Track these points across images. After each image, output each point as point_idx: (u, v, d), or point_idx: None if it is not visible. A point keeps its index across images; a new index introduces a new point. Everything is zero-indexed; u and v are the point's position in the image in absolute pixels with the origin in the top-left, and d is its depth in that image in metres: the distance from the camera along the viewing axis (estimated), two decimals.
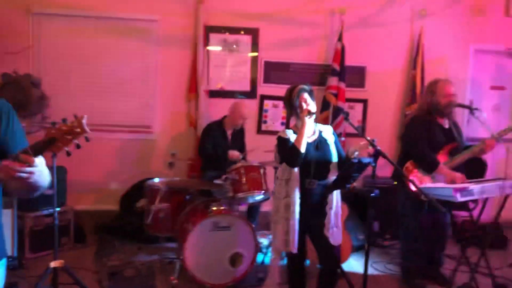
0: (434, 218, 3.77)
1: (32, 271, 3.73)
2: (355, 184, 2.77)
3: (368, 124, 5.50)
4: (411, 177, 3.53)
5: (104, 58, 4.96)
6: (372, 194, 2.50)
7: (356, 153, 2.71)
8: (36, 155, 1.48)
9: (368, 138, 2.64)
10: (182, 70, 5.11)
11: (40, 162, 1.51)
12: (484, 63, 5.62)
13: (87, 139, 1.52)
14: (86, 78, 4.94)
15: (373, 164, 2.50)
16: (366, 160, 2.53)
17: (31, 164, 1.46)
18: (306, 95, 2.94)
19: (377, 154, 2.47)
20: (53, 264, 3.36)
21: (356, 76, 5.40)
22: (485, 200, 3.74)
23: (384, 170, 4.03)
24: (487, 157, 4.61)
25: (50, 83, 4.76)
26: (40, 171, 1.53)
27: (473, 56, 5.54)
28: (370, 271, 4.18)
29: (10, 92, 4.36)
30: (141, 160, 5.12)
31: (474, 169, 4.80)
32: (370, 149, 2.62)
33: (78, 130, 1.48)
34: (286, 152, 2.87)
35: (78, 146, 1.50)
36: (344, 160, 2.92)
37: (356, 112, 5.49)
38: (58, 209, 3.75)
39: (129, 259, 4.11)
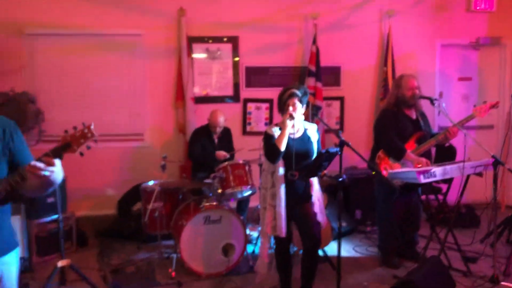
0: (406, 201, 4.14)
1: (40, 273, 4.02)
2: (325, 172, 3.10)
3: (346, 119, 5.86)
4: (382, 165, 3.90)
5: (94, 73, 5.26)
6: (339, 179, 2.83)
7: None
8: (55, 157, 1.82)
9: (335, 130, 2.98)
10: (169, 79, 5.44)
11: (58, 163, 1.85)
12: (450, 56, 6.03)
13: (95, 141, 1.87)
14: (79, 92, 5.24)
15: (339, 153, 2.84)
16: (334, 149, 2.88)
17: (52, 165, 1.80)
18: (295, 100, 3.22)
19: (342, 144, 2.81)
20: (60, 263, 3.69)
21: (331, 75, 5.78)
22: (450, 183, 4.10)
23: (361, 162, 4.38)
24: (457, 144, 5.00)
25: (45, 98, 5.10)
26: (58, 170, 1.88)
27: (440, 50, 5.95)
28: (353, 254, 4.56)
29: (8, 109, 4.67)
30: (135, 166, 5.42)
31: (445, 155, 5.19)
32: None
33: (89, 134, 1.83)
34: (268, 148, 3.21)
35: (88, 147, 1.86)
36: None
37: (333, 109, 5.86)
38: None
39: (129, 258, 4.42)
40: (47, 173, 1.80)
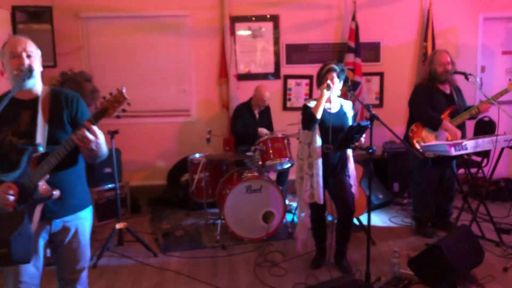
0: (440, 173, 4.26)
1: (100, 235, 4.48)
2: (357, 143, 3.30)
3: (385, 94, 5.98)
4: (415, 138, 4.04)
5: (144, 52, 5.64)
6: (370, 150, 3.03)
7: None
8: (96, 121, 2.07)
9: (367, 104, 3.17)
10: (213, 58, 5.73)
11: (101, 135, 2.10)
12: (494, 30, 5.94)
13: (128, 104, 2.07)
14: (130, 71, 5.65)
15: (369, 126, 3.04)
16: (364, 123, 3.08)
17: (91, 129, 2.04)
18: (334, 74, 3.43)
19: (372, 118, 3.00)
20: (118, 226, 4.12)
21: (371, 51, 5.87)
22: (488, 157, 4.17)
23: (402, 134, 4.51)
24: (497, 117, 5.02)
25: (100, 77, 5.51)
26: (101, 142, 2.13)
27: (483, 24, 5.88)
28: (388, 224, 4.75)
29: (68, 87, 5.12)
30: (182, 140, 5.81)
31: (485, 129, 5.23)
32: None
33: (121, 98, 2.06)
34: (305, 116, 3.44)
35: (123, 110, 2.08)
36: None
37: (373, 85, 5.97)
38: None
39: (178, 223, 4.83)
40: (91, 137, 2.04)
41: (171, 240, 4.37)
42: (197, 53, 5.71)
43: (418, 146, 3.98)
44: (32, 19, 5.02)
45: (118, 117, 2.09)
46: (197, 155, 4.94)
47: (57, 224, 2.28)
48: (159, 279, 3.61)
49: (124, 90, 2.06)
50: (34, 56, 2.19)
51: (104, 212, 4.85)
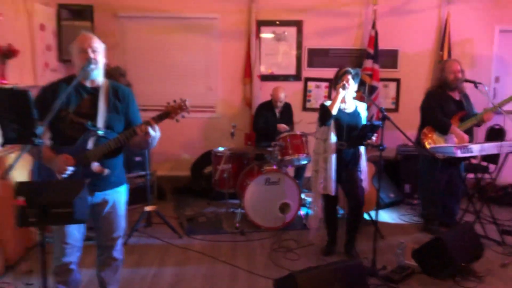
0: (448, 173, 4.52)
1: (130, 217, 4.81)
2: (369, 141, 3.61)
3: (401, 99, 6.26)
4: (426, 140, 4.32)
5: (175, 51, 6.03)
6: (381, 147, 3.34)
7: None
8: (157, 122, 2.48)
9: (380, 106, 3.48)
10: (238, 58, 6.09)
11: (158, 133, 2.49)
12: (509, 42, 6.17)
13: (188, 113, 2.50)
14: (162, 68, 6.04)
15: (381, 126, 3.35)
16: (377, 122, 3.39)
17: (153, 127, 2.45)
18: (349, 77, 3.76)
19: (383, 118, 3.31)
20: (147, 208, 4.51)
21: (389, 58, 6.16)
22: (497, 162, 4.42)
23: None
24: (507, 125, 5.26)
25: (134, 73, 5.91)
26: (157, 136, 2.52)
27: (498, 35, 6.11)
28: (398, 221, 5.03)
29: None
30: (207, 134, 6.19)
31: (495, 137, 5.46)
32: None
33: (184, 107, 2.48)
34: (322, 112, 3.76)
35: (183, 116, 2.50)
36: None
37: (390, 90, 6.26)
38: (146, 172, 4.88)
39: (200, 211, 5.20)
40: (152, 133, 2.45)
41: (194, 225, 4.74)
42: (224, 54, 6.08)
43: (427, 146, 4.26)
44: (74, 17, 5.44)
45: (177, 121, 2.49)
46: (221, 149, 5.30)
47: (98, 196, 2.64)
48: (184, 257, 3.98)
49: (187, 101, 2.47)
50: (98, 51, 2.57)
51: (133, 197, 5.18)
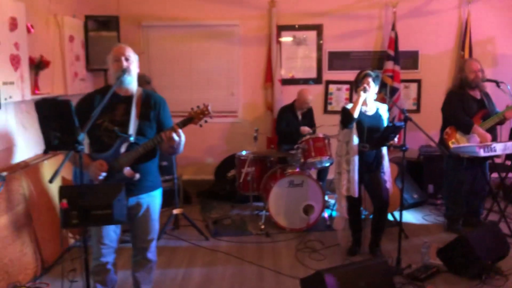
0: (473, 174, 4.52)
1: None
2: (392, 142, 3.67)
3: (422, 100, 6.28)
4: (450, 139, 4.34)
5: (198, 58, 6.19)
6: (403, 148, 3.40)
7: None
8: (182, 127, 2.60)
9: (401, 108, 3.54)
10: (259, 63, 6.21)
11: (183, 138, 2.60)
12: None
13: (211, 118, 2.61)
14: (185, 74, 6.21)
15: (403, 127, 3.41)
16: (399, 123, 3.45)
17: (177, 132, 2.57)
18: (369, 79, 3.83)
19: (405, 119, 3.37)
20: (175, 211, 4.65)
21: (409, 59, 6.19)
22: None
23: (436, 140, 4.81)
24: None
25: (158, 80, 6.07)
26: (182, 141, 2.63)
27: None
28: (422, 221, 5.06)
29: None
30: (229, 139, 6.32)
31: None
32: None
33: (206, 112, 2.59)
34: (344, 115, 3.84)
35: (206, 121, 2.61)
36: None
37: (411, 91, 6.29)
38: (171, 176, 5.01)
39: (225, 213, 5.31)
40: (176, 138, 2.55)
41: (220, 227, 4.85)
42: (246, 59, 6.20)
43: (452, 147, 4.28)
44: (101, 27, 5.62)
45: (200, 126, 2.60)
46: (244, 152, 5.40)
47: (132, 200, 2.77)
48: (211, 258, 4.09)
49: (209, 107, 2.58)
50: (131, 60, 2.70)
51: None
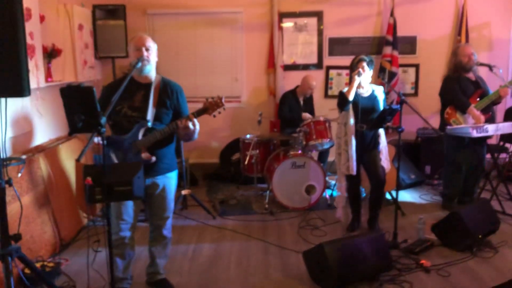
0: (472, 153, 4.68)
1: None
2: (388, 124, 3.88)
3: (421, 84, 6.47)
4: (451, 118, 4.51)
5: (202, 45, 6.37)
6: (399, 129, 3.61)
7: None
8: (198, 116, 2.81)
9: (398, 91, 3.74)
10: (262, 49, 6.39)
11: (197, 126, 2.81)
12: None
13: (224, 109, 2.82)
14: (190, 61, 6.39)
15: (399, 109, 3.62)
16: (395, 106, 3.66)
17: (193, 121, 2.78)
18: (364, 64, 4.01)
19: (401, 102, 3.58)
20: (183, 192, 4.88)
21: (408, 44, 6.37)
22: None
23: (436, 122, 4.99)
24: None
25: (163, 67, 6.24)
26: (197, 130, 2.85)
27: None
28: (419, 201, 5.29)
29: None
30: (233, 124, 6.53)
31: None
32: None
33: (220, 104, 2.81)
34: (339, 98, 4.04)
35: (219, 112, 2.82)
36: None
37: (409, 75, 6.48)
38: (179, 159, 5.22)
39: (231, 194, 5.54)
40: (191, 127, 2.77)
41: (226, 207, 5.10)
42: (249, 46, 6.38)
43: (455, 126, 4.46)
44: (108, 16, 5.79)
45: (214, 116, 2.82)
46: (248, 136, 5.62)
47: (148, 180, 2.99)
48: (219, 235, 4.34)
49: (223, 99, 2.80)
50: (151, 50, 2.90)
51: None
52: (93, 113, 2.36)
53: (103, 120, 2.35)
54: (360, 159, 4.11)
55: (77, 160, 2.20)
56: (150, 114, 2.87)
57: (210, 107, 2.82)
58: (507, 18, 6.23)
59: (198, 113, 2.82)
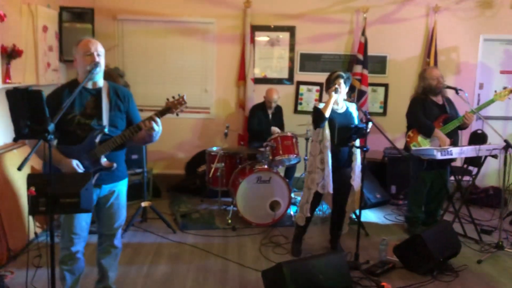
0: (434, 177, 4.68)
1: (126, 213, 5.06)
2: (354, 142, 3.83)
3: (389, 104, 6.51)
4: (412, 142, 4.53)
5: (172, 54, 6.25)
6: (364, 149, 3.57)
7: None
8: (160, 117, 2.71)
9: (364, 110, 3.71)
10: (233, 62, 6.31)
11: (160, 125, 2.72)
12: (493, 50, 6.44)
13: (186, 108, 2.73)
14: (159, 69, 6.25)
15: (365, 129, 3.58)
16: (361, 125, 3.62)
17: (156, 122, 2.69)
18: (341, 80, 3.94)
19: (367, 121, 3.54)
20: (143, 204, 4.71)
21: (378, 64, 6.42)
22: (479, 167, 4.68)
23: (401, 143, 5.02)
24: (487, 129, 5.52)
25: (131, 74, 6.12)
26: (159, 130, 2.75)
27: (483, 44, 6.38)
28: (383, 221, 5.26)
29: None
30: (201, 135, 6.41)
31: (478, 141, 5.71)
32: None
33: (183, 102, 2.71)
34: (315, 115, 3.91)
35: (182, 110, 2.73)
36: None
37: (378, 94, 6.51)
38: (141, 170, 5.07)
39: (194, 207, 5.40)
40: (156, 128, 2.68)
41: (188, 221, 4.95)
42: (220, 57, 6.30)
43: (414, 149, 4.47)
44: (76, 19, 5.62)
45: (177, 115, 2.73)
46: (215, 148, 5.51)
47: (105, 188, 2.87)
48: (178, 251, 4.18)
49: (185, 97, 2.72)
50: (101, 55, 2.77)
51: (130, 194, 5.33)
52: (41, 118, 2.21)
53: (51, 126, 2.21)
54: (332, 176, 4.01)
55: (19, 169, 2.04)
56: (106, 120, 2.74)
57: (173, 106, 2.73)
58: (475, 43, 6.35)
59: (161, 113, 2.73)
